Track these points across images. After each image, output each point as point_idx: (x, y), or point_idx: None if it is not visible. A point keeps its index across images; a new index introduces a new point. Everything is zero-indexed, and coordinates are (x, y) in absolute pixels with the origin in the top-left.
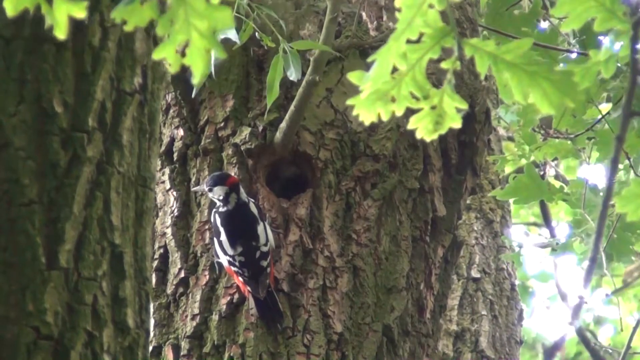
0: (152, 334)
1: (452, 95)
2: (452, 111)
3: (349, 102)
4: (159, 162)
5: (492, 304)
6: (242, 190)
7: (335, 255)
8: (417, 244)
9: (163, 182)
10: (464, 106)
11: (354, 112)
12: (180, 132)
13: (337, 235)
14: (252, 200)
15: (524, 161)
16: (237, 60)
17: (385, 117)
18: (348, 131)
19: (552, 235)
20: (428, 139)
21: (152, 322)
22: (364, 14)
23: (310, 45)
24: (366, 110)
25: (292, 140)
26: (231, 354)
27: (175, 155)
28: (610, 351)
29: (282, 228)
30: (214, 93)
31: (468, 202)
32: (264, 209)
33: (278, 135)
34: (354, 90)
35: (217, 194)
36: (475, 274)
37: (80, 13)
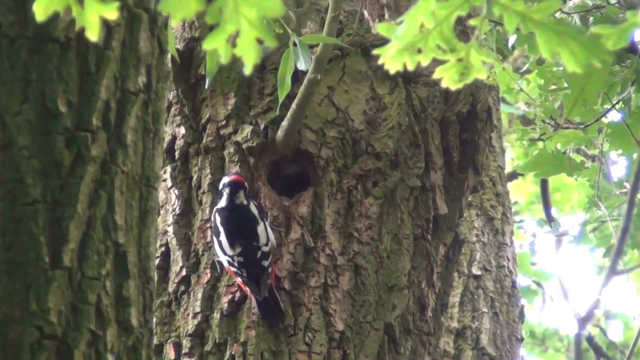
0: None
1: (479, 49)
2: (479, 64)
3: (376, 51)
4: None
5: (493, 301)
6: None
7: (336, 253)
8: (419, 242)
9: (164, 180)
10: (491, 60)
11: (380, 61)
12: (182, 130)
13: (338, 234)
14: (252, 200)
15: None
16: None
17: (410, 67)
18: (350, 129)
19: (549, 218)
20: (453, 88)
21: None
22: (365, 12)
23: (318, 38)
24: (392, 60)
25: (294, 138)
26: (233, 352)
27: (176, 154)
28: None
29: (283, 226)
30: (215, 91)
31: (469, 199)
32: (265, 207)
33: (280, 133)
34: (356, 89)
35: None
36: (476, 271)
37: (112, 14)
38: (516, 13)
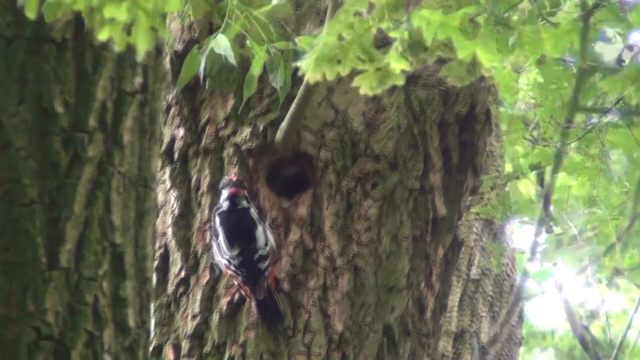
0: (152, 333)
1: (397, 59)
2: (397, 72)
3: (297, 63)
4: (160, 162)
5: (492, 304)
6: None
7: (335, 255)
8: (418, 243)
9: (164, 181)
10: (407, 67)
11: (300, 73)
12: (181, 131)
13: (337, 235)
14: (253, 202)
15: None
16: (236, 59)
17: (330, 77)
18: (349, 131)
19: (549, 218)
20: (370, 94)
21: (152, 321)
22: (365, 13)
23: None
24: (312, 70)
25: (293, 139)
26: (232, 354)
27: (175, 155)
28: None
29: (282, 228)
30: (214, 93)
31: (468, 202)
32: (264, 208)
33: (279, 134)
34: (355, 90)
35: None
36: (475, 274)
37: (123, 14)
38: (434, 23)
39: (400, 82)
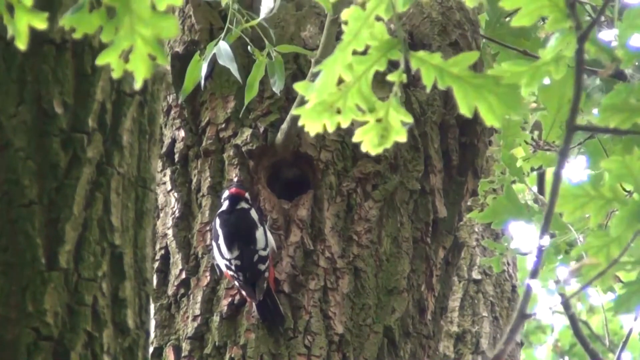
0: (153, 335)
1: (397, 108)
2: (398, 124)
3: (295, 112)
4: (160, 164)
5: (493, 305)
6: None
7: (336, 256)
8: (418, 245)
9: (164, 183)
10: (409, 120)
11: (300, 123)
12: (182, 133)
13: (338, 237)
14: (254, 204)
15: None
16: (238, 61)
17: (330, 129)
18: (349, 132)
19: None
20: (373, 153)
21: (153, 323)
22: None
23: (292, 48)
24: (312, 121)
25: (293, 141)
26: (232, 355)
27: (176, 157)
28: (605, 341)
29: (283, 229)
30: (215, 94)
31: (469, 203)
32: (265, 210)
33: (279, 136)
34: None
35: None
36: (476, 275)
37: (41, 24)
38: (433, 67)
39: (403, 138)
